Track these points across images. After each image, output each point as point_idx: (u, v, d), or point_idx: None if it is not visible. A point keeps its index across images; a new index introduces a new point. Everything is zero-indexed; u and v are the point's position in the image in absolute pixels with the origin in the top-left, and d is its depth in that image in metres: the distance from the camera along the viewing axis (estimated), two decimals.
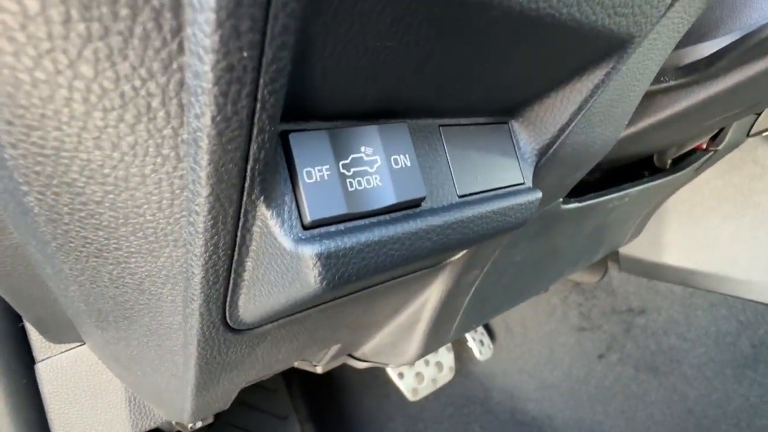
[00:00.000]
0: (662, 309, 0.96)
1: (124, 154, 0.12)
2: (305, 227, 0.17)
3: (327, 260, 0.17)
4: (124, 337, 0.25)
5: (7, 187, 0.15)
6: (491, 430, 1.17)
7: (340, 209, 0.18)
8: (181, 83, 0.11)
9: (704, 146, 0.73)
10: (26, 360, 0.39)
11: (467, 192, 0.24)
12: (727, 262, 0.84)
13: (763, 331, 0.82)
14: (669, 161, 0.74)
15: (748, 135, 0.76)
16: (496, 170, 0.26)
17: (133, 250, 0.17)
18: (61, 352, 0.39)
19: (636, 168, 0.76)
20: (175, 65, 0.11)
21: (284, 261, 0.17)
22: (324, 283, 0.17)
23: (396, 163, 0.20)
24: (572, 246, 0.63)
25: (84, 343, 0.40)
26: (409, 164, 0.20)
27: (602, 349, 1.07)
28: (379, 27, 0.14)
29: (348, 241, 0.17)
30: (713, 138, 0.73)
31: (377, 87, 0.18)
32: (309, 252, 0.16)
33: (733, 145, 0.75)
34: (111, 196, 0.14)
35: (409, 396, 0.99)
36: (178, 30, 0.10)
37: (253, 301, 0.21)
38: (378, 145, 0.19)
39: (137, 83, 0.11)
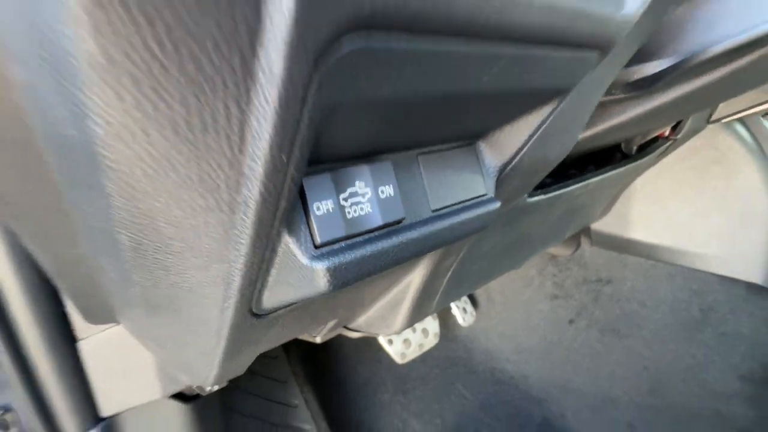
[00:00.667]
0: (627, 279, 1.06)
1: (197, 213, 0.18)
2: (316, 247, 0.23)
3: (333, 271, 0.23)
4: (168, 323, 0.32)
5: (102, 225, 0.21)
6: (473, 388, 1.29)
7: (341, 232, 0.24)
8: (240, 175, 0.17)
9: (666, 134, 0.79)
10: (69, 339, 0.45)
11: (439, 206, 0.30)
12: (686, 238, 0.93)
13: (711, 298, 0.93)
14: (635, 148, 0.81)
15: (708, 122, 0.83)
16: (464, 185, 0.32)
17: (190, 266, 0.23)
18: (99, 332, 0.45)
19: (605, 152, 0.83)
20: (238, 169, 0.16)
21: (301, 271, 0.23)
22: (331, 287, 0.24)
23: (382, 193, 0.26)
24: (541, 229, 0.70)
25: (117, 324, 0.46)
26: (392, 194, 0.26)
27: (572, 315, 1.18)
28: (380, 114, 0.20)
29: (348, 256, 0.24)
30: (674, 127, 0.79)
31: (371, 138, 0.24)
32: (320, 267, 0.23)
33: (694, 132, 0.82)
34: (184, 235, 0.20)
35: (398, 360, 1.09)
36: (241, 155, 0.16)
37: (274, 296, 0.27)
38: (369, 180, 0.25)
39: (214, 178, 0.16)
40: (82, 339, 0.45)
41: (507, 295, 1.30)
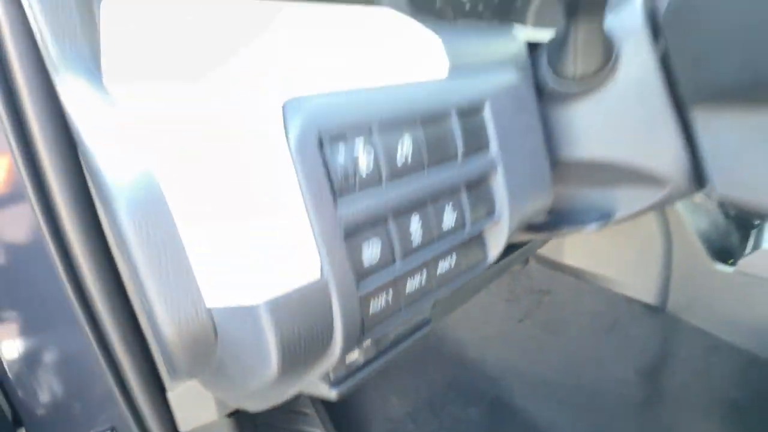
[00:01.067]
0: (561, 292, 1.34)
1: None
2: (331, 383, 0.47)
3: (340, 392, 0.47)
4: (250, 391, 0.56)
5: None
6: (442, 370, 1.59)
7: (343, 375, 0.47)
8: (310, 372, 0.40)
9: None
10: (160, 386, 0.69)
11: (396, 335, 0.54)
12: (603, 265, 1.19)
13: (618, 312, 1.21)
14: None
15: None
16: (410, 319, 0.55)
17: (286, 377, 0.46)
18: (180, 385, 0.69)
19: None
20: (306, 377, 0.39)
21: (324, 392, 0.47)
22: (339, 396, 0.47)
23: (351, 358, 0.49)
24: (486, 277, 0.95)
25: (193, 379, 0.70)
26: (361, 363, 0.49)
27: (522, 316, 1.46)
28: None
29: (344, 385, 0.47)
30: None
31: None
32: (335, 391, 0.46)
33: None
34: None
35: None
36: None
37: (310, 393, 0.51)
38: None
39: (311, 371, 0.39)
40: (169, 391, 0.69)
41: (473, 298, 1.57)
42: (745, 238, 1.04)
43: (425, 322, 0.57)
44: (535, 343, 1.44)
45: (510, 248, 0.97)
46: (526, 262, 1.41)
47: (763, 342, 0.99)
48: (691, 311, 1.09)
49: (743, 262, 0.96)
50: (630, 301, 1.19)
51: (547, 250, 1.30)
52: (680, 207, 1.04)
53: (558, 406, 1.36)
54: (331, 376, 0.46)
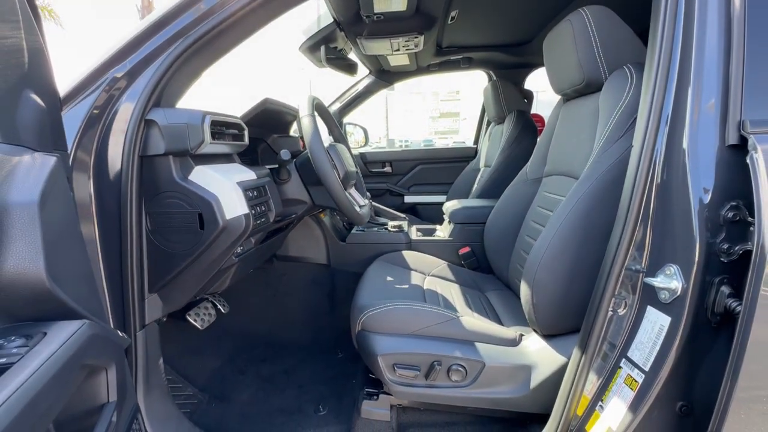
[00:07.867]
0: (291, 271, 2.69)
1: None
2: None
3: None
4: None
5: None
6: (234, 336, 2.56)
7: None
8: None
9: None
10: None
11: None
12: (304, 250, 2.63)
13: (317, 270, 2.67)
14: None
15: None
16: None
17: None
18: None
19: None
20: None
21: None
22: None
23: None
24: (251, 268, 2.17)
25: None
26: None
27: (274, 292, 2.69)
28: None
29: None
30: None
31: None
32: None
33: None
34: None
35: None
36: None
37: None
38: None
39: None
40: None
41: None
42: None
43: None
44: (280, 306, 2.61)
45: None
46: (272, 261, 2.65)
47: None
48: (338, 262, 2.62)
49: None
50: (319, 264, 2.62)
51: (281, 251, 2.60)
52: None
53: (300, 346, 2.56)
54: None
